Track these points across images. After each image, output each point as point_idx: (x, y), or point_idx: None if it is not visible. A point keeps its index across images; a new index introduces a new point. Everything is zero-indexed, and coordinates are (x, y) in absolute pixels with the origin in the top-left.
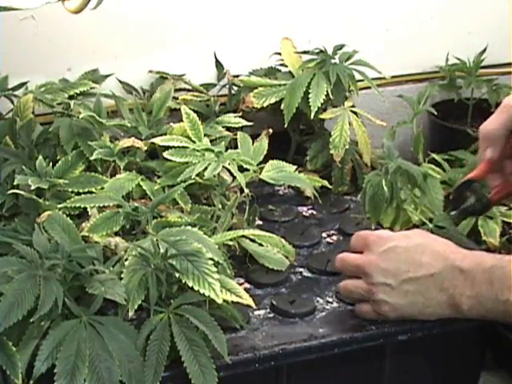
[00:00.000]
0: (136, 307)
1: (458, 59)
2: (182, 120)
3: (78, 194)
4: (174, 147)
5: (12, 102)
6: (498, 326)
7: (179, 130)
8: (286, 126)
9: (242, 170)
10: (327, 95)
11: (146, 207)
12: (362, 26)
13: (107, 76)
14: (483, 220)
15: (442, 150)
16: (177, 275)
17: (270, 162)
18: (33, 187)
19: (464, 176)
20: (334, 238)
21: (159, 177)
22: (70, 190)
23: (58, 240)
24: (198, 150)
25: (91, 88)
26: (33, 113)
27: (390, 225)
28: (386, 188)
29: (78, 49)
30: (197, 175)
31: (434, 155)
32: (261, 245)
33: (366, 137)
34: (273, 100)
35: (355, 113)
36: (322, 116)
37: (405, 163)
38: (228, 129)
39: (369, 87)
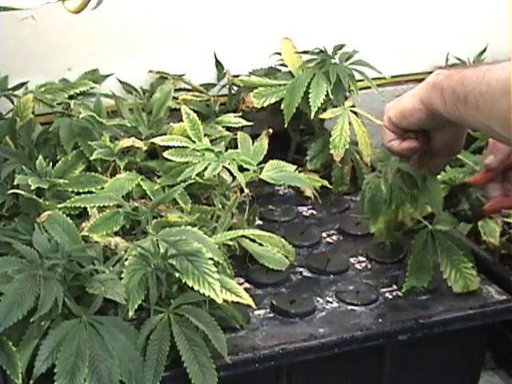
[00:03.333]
0: (136, 307)
1: (458, 59)
2: (182, 120)
3: (78, 193)
4: (174, 147)
5: (12, 102)
6: (498, 325)
7: (179, 130)
8: (286, 126)
9: (242, 169)
10: (327, 95)
11: (146, 207)
12: (362, 26)
13: (107, 76)
14: (483, 220)
15: None
16: (177, 275)
17: (270, 162)
18: (33, 187)
19: (464, 177)
20: (334, 237)
21: (159, 177)
22: (70, 189)
23: (58, 240)
24: (198, 150)
25: (91, 88)
26: (33, 113)
27: (389, 226)
28: (384, 190)
29: (78, 49)
30: (197, 175)
31: None
32: (261, 245)
33: (366, 137)
34: (273, 100)
35: (355, 113)
36: (321, 116)
37: (404, 164)
38: (228, 129)
39: (369, 87)
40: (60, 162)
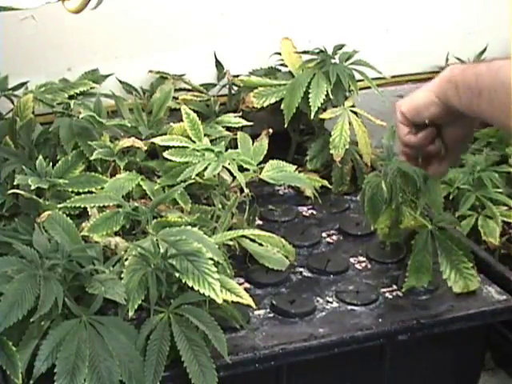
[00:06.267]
0: (136, 307)
1: (458, 59)
2: (182, 120)
3: (78, 193)
4: (174, 147)
5: (12, 102)
6: (498, 325)
7: (179, 130)
8: (286, 126)
9: (242, 169)
10: (327, 95)
11: (146, 207)
12: (362, 26)
13: (107, 76)
14: (483, 220)
15: None
16: (177, 275)
17: (270, 161)
18: (33, 187)
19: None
20: (334, 237)
21: (159, 177)
22: (70, 189)
23: (58, 240)
24: (197, 150)
25: (91, 88)
26: (33, 113)
27: (389, 226)
28: (385, 189)
29: (78, 49)
30: (197, 175)
31: None
32: (261, 245)
33: (366, 137)
34: (273, 100)
35: (355, 113)
36: (321, 116)
37: (404, 164)
38: (228, 129)
39: (369, 87)
40: (60, 162)
